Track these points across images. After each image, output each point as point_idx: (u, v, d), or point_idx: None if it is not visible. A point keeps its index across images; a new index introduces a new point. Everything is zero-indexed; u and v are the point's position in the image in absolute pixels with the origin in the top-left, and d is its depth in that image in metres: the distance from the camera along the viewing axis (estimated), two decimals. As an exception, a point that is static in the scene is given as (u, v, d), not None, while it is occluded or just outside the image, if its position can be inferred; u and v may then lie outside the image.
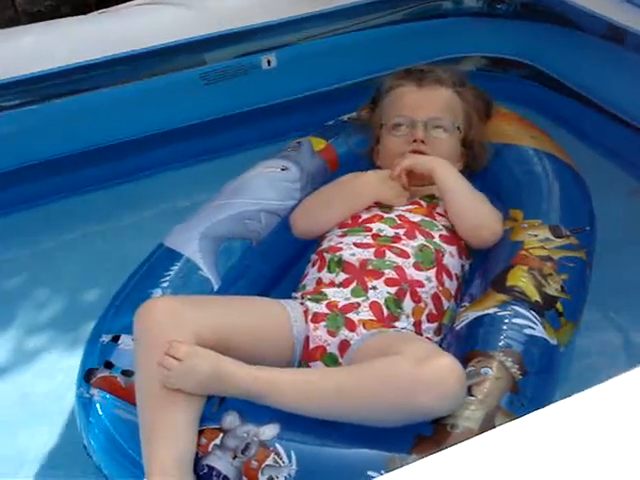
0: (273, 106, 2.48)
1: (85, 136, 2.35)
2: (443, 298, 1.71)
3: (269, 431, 1.37)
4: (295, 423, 1.38)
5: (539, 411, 0.96)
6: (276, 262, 1.92)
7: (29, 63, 2.23)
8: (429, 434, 1.35)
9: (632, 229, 2.13)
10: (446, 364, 1.33)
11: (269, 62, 2.39)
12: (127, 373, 1.52)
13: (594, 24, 2.30)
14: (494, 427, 1.35)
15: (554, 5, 2.43)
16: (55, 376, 1.87)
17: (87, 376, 1.56)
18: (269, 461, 1.33)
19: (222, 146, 2.48)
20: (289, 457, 1.33)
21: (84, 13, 2.59)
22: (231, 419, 1.39)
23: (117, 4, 2.57)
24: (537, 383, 1.48)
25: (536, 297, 1.61)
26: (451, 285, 1.74)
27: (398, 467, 1.29)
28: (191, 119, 2.43)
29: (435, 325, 1.68)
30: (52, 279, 2.11)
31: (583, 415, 0.95)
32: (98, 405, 1.50)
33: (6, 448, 1.73)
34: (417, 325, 1.65)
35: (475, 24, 2.61)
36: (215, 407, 1.41)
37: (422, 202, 1.87)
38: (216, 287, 1.74)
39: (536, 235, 1.76)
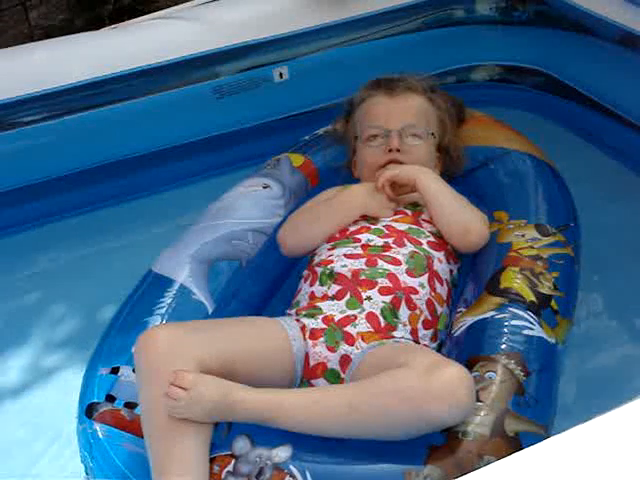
0: (286, 119, 2.48)
1: (99, 151, 2.35)
2: (436, 304, 1.72)
3: (282, 453, 1.36)
4: (306, 443, 1.38)
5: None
6: (266, 281, 1.92)
7: (43, 79, 2.23)
8: (442, 443, 1.35)
9: None
10: (455, 373, 1.33)
11: (281, 75, 2.39)
12: (131, 405, 1.51)
13: (608, 30, 2.29)
14: (504, 431, 1.38)
15: (568, 12, 2.42)
16: (70, 394, 1.82)
17: (88, 411, 1.54)
18: (285, 483, 1.33)
19: (237, 159, 2.47)
20: (304, 478, 1.33)
21: (97, 27, 2.60)
22: (242, 444, 1.38)
23: (130, 17, 2.58)
24: (540, 382, 1.50)
25: (531, 297, 1.63)
26: (442, 290, 1.75)
27: (415, 479, 1.31)
28: (204, 133, 2.43)
29: (431, 331, 1.69)
30: (67, 296, 2.09)
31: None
32: (104, 440, 1.48)
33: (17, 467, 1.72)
34: (414, 333, 1.66)
35: (488, 32, 2.60)
36: (224, 433, 1.41)
37: (407, 211, 1.88)
38: (210, 310, 1.74)
39: (523, 235, 1.79)
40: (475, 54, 2.62)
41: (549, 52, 2.53)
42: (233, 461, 1.37)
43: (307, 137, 2.22)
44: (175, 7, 2.53)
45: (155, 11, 2.57)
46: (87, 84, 2.24)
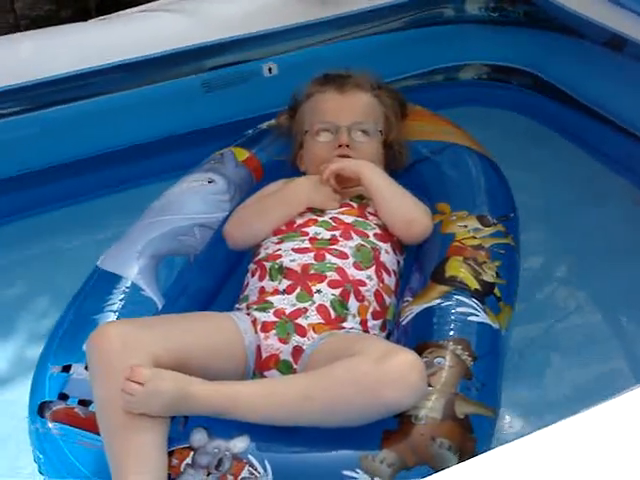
0: (275, 114, 2.42)
1: (85, 144, 2.33)
2: (384, 294, 1.76)
3: (240, 443, 1.38)
4: (264, 433, 1.40)
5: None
6: (214, 275, 1.93)
7: (29, 70, 2.20)
8: (395, 428, 1.39)
9: (636, 237, 2.15)
10: (407, 359, 1.37)
11: (270, 70, 2.39)
12: (84, 403, 1.50)
13: (595, 32, 2.32)
14: (455, 413, 1.43)
15: (556, 13, 2.44)
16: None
17: (40, 410, 1.52)
18: (244, 473, 1.34)
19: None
20: (264, 467, 1.35)
21: (84, 18, 2.56)
22: (200, 436, 1.39)
23: (116, 9, 2.54)
24: (487, 367, 1.56)
25: (475, 285, 1.68)
26: (390, 281, 1.79)
27: (371, 463, 1.35)
28: (192, 126, 2.42)
29: (380, 322, 1.73)
30: (49, 289, 2.06)
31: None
32: (58, 438, 1.47)
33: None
34: (363, 323, 1.70)
35: (477, 32, 2.62)
36: (181, 426, 1.41)
37: (353, 203, 1.92)
38: (160, 306, 1.73)
39: (466, 226, 1.84)
40: (463, 53, 2.65)
41: (537, 53, 2.57)
42: (191, 453, 1.38)
43: (251, 131, 2.22)
44: (162, 0, 2.51)
45: (141, 3, 2.54)
46: (74, 76, 2.22)
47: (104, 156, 2.37)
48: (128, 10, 2.50)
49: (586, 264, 2.12)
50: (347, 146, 1.93)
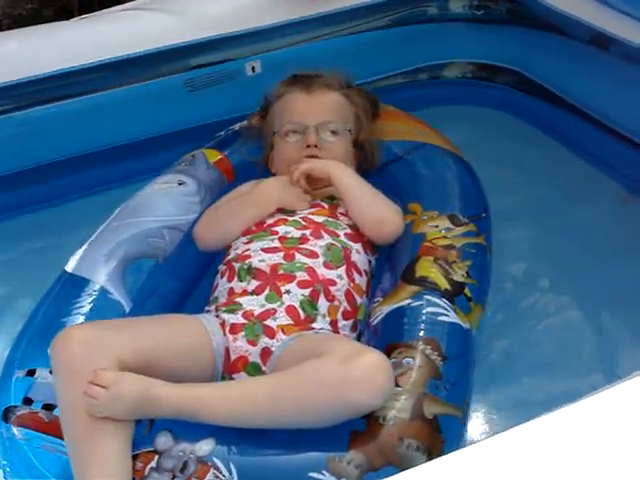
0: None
1: (68, 144, 2.32)
2: (355, 294, 1.74)
3: (205, 446, 1.36)
4: (229, 435, 1.38)
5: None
6: (184, 277, 1.91)
7: (12, 69, 2.19)
8: (363, 429, 1.38)
9: (623, 237, 2.14)
10: (372, 360, 1.36)
11: (254, 69, 2.37)
12: (49, 407, 1.49)
13: (580, 31, 2.31)
14: (423, 414, 1.42)
15: (540, 11, 2.43)
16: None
17: (5, 415, 1.50)
18: (209, 476, 1.33)
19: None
20: (229, 470, 1.33)
21: (66, 17, 2.57)
22: (164, 440, 1.38)
23: (100, 7, 2.54)
24: (457, 367, 1.54)
25: (445, 285, 1.67)
26: (361, 281, 1.78)
27: (338, 465, 1.34)
28: (175, 126, 2.40)
29: (351, 322, 1.72)
30: (32, 290, 1.96)
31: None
32: (22, 443, 1.45)
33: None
34: (334, 324, 1.68)
35: (460, 30, 2.61)
36: (146, 430, 1.40)
37: (324, 204, 1.91)
38: (128, 309, 1.71)
39: (437, 226, 1.83)
40: (448, 51, 2.64)
41: (521, 51, 2.56)
42: (156, 457, 1.36)
43: (222, 132, 2.21)
44: None
45: (124, 2, 2.52)
46: (57, 75, 2.21)
47: (88, 156, 2.36)
48: (111, 9, 2.50)
49: (572, 264, 2.10)
50: (315, 146, 1.92)
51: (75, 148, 2.34)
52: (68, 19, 2.54)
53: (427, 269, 1.71)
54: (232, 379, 1.60)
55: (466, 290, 1.69)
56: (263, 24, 2.38)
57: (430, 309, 1.61)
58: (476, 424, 1.72)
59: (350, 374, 1.33)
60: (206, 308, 1.76)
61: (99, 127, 2.32)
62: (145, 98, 2.32)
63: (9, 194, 2.32)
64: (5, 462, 1.50)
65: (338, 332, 1.68)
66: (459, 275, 1.71)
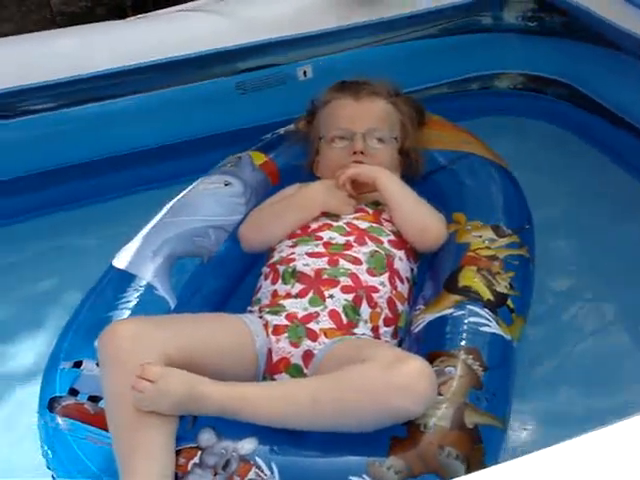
0: None
1: (120, 141, 2.37)
2: (397, 302, 1.75)
3: (248, 445, 1.38)
4: (271, 435, 1.40)
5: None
6: (227, 277, 1.94)
7: (66, 66, 2.24)
8: (403, 435, 1.39)
9: None
10: (417, 367, 1.37)
11: (305, 73, 2.40)
12: (94, 399, 1.51)
13: (632, 44, 2.28)
14: (464, 423, 1.42)
15: (592, 24, 2.41)
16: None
17: (50, 405, 1.53)
18: (251, 475, 1.34)
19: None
20: (270, 469, 1.35)
21: (119, 15, 2.62)
22: (208, 436, 1.40)
23: (154, 6, 2.59)
24: (498, 378, 1.55)
25: (488, 296, 1.68)
26: (403, 288, 1.79)
27: (378, 470, 1.35)
28: (226, 127, 2.43)
29: (392, 329, 1.73)
30: (80, 284, 1.99)
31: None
32: (67, 434, 1.48)
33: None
34: (375, 330, 1.70)
35: (514, 41, 2.59)
36: (189, 425, 1.41)
37: (368, 209, 1.92)
38: (172, 306, 1.74)
39: (480, 236, 1.84)
40: (499, 62, 2.63)
41: (573, 64, 2.54)
42: (199, 453, 1.38)
43: (268, 136, 2.23)
44: (202, 0, 2.53)
45: (177, 2, 2.56)
46: (110, 74, 2.26)
47: (135, 154, 2.40)
48: (166, 9, 2.52)
49: (615, 279, 2.09)
50: (362, 153, 1.94)
51: (124, 146, 2.38)
52: (121, 17, 2.58)
53: (470, 279, 1.71)
54: (273, 379, 1.62)
55: (509, 301, 1.70)
56: (315, 29, 2.41)
57: (472, 319, 1.62)
58: (514, 436, 1.71)
59: (393, 380, 1.34)
60: (249, 308, 1.78)
61: (149, 126, 2.37)
62: (197, 99, 2.36)
63: (54, 189, 2.38)
64: (48, 450, 1.53)
65: (379, 338, 1.70)
66: (502, 286, 1.71)
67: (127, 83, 2.29)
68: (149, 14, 2.52)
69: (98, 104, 2.28)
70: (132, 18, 2.51)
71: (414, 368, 1.37)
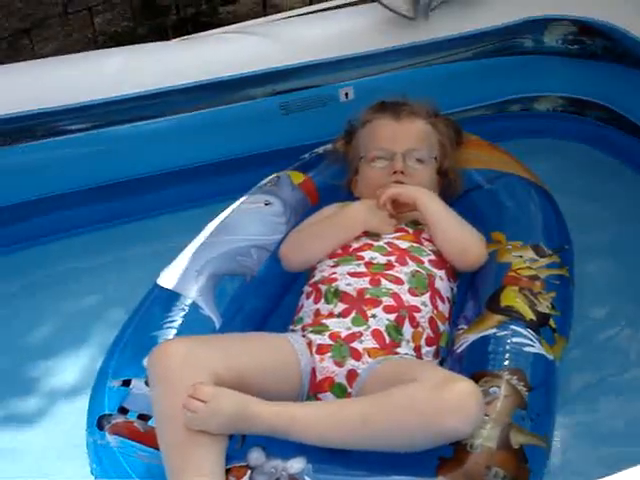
0: None
1: (163, 159, 2.41)
2: (438, 321, 1.77)
3: (297, 464, 1.40)
4: (320, 454, 1.42)
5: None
6: (269, 296, 1.96)
7: (112, 86, 2.30)
8: (450, 455, 1.40)
9: None
10: (466, 388, 1.38)
11: (347, 95, 2.42)
12: (144, 417, 1.54)
13: None
14: (510, 443, 1.43)
15: (635, 48, 2.40)
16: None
17: (100, 423, 1.56)
18: (300, 494, 1.36)
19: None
20: (319, 488, 1.37)
21: (160, 36, 2.67)
22: (257, 455, 1.42)
23: (193, 28, 2.65)
24: (542, 398, 1.56)
25: (531, 316, 1.69)
26: (444, 308, 1.81)
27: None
28: (269, 147, 2.46)
29: (434, 348, 1.74)
30: (123, 300, 2.04)
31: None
32: (117, 452, 1.51)
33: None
34: (417, 349, 1.71)
35: (555, 63, 2.58)
36: (239, 445, 1.44)
37: (408, 229, 1.94)
38: (218, 325, 1.77)
39: (521, 256, 1.85)
40: (540, 84, 2.63)
41: (614, 87, 2.53)
42: (249, 472, 1.40)
43: (307, 155, 2.26)
44: (245, 23, 2.57)
45: (217, 23, 2.63)
46: (154, 94, 2.31)
47: (183, 172, 2.44)
48: (209, 31, 2.56)
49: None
50: (402, 172, 1.96)
51: (169, 164, 2.42)
52: (162, 38, 2.62)
53: (512, 299, 1.72)
54: (318, 399, 1.64)
55: (551, 321, 1.71)
56: (357, 51, 2.42)
57: (516, 339, 1.63)
58: (555, 456, 1.72)
59: (444, 401, 1.35)
60: (291, 327, 1.80)
61: (192, 146, 2.40)
62: (240, 120, 2.38)
63: (100, 205, 2.41)
64: (98, 468, 1.55)
65: (421, 358, 1.71)
66: (544, 306, 1.73)
67: (172, 103, 2.33)
68: (194, 35, 2.56)
69: (142, 123, 2.32)
70: (176, 40, 2.54)
71: (464, 389, 1.38)
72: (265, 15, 2.70)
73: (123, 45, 2.59)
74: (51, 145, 2.27)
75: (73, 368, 2.05)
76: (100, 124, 2.28)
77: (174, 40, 2.54)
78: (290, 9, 2.61)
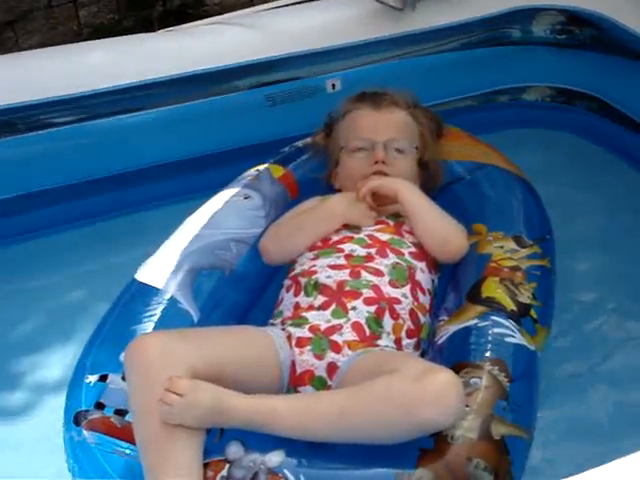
0: None
1: (147, 153, 2.39)
2: (419, 313, 1.75)
3: (275, 458, 1.38)
4: (298, 447, 1.40)
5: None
6: (249, 290, 1.94)
7: (95, 78, 2.27)
8: (431, 447, 1.39)
9: None
10: (446, 379, 1.37)
11: (334, 86, 2.40)
12: (120, 412, 1.52)
13: None
14: (491, 434, 1.42)
15: (624, 38, 2.40)
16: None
17: (76, 419, 1.54)
18: (280, 487, 1.35)
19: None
20: (299, 482, 1.35)
21: (146, 28, 2.63)
22: (235, 449, 1.40)
23: (178, 20, 2.60)
24: (523, 388, 1.55)
25: (511, 306, 1.68)
26: (425, 300, 1.79)
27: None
28: (255, 139, 2.44)
29: (414, 340, 1.73)
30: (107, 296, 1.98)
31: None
32: (94, 448, 1.49)
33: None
34: (397, 342, 1.70)
35: (543, 54, 2.58)
36: (217, 438, 1.42)
37: (389, 221, 1.92)
38: (196, 319, 1.74)
39: (502, 247, 1.84)
40: (528, 75, 2.62)
41: (602, 77, 2.53)
42: (227, 466, 1.38)
43: (286, 148, 2.24)
44: (232, 13, 2.55)
45: (204, 15, 2.61)
46: (139, 86, 2.28)
47: (166, 167, 2.42)
48: (195, 22, 2.54)
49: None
50: (383, 162, 1.94)
51: (152, 158, 2.40)
52: (148, 30, 2.59)
53: (493, 290, 1.72)
54: (297, 392, 1.62)
55: (532, 312, 1.70)
56: (344, 42, 2.41)
57: (497, 330, 1.62)
58: (536, 447, 1.71)
59: (424, 393, 1.34)
60: (270, 321, 1.78)
61: (178, 139, 2.38)
62: (225, 111, 2.36)
63: (83, 202, 2.39)
64: (75, 464, 1.53)
65: (402, 350, 1.70)
66: (525, 297, 1.72)
67: (156, 95, 2.31)
68: (179, 27, 2.53)
69: (125, 116, 2.29)
70: (162, 31, 2.52)
71: (444, 380, 1.37)
72: (252, 6, 2.66)
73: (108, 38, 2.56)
74: (34, 139, 2.24)
75: (59, 363, 2.02)
76: (81, 118, 2.25)
77: (159, 31, 2.51)
78: (276, -1, 2.59)
